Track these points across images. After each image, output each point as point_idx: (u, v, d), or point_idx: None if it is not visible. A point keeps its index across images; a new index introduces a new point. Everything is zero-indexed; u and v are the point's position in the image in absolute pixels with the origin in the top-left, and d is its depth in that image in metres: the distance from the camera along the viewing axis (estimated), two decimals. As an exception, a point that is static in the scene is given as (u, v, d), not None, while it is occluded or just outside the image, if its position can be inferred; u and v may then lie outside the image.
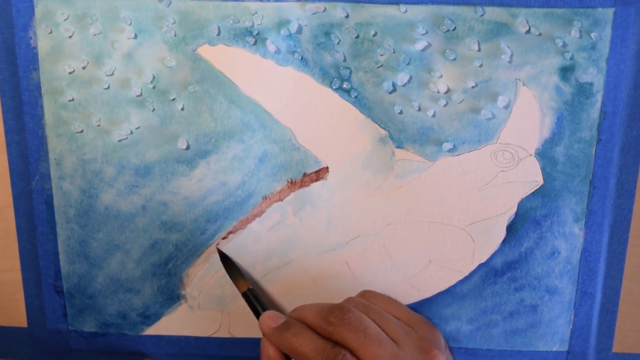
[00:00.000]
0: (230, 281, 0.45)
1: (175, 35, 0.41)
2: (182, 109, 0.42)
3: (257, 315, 0.43)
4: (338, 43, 0.41)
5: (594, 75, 0.41)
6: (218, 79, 0.42)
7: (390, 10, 0.40)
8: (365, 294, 0.45)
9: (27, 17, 0.41)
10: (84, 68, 0.42)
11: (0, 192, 0.45)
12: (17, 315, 0.48)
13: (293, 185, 0.44)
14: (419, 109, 0.42)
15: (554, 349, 0.46)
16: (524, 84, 0.41)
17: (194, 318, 0.47)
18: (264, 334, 0.42)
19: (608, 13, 0.39)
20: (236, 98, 0.42)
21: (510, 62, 0.41)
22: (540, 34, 0.40)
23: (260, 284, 0.46)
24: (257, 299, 0.44)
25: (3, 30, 0.41)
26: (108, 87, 0.42)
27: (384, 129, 0.42)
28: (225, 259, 0.45)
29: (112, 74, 0.42)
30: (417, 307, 0.46)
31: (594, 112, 0.41)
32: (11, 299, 0.47)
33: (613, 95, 0.41)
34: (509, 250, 0.44)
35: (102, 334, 0.48)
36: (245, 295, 0.44)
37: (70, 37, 0.41)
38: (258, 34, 0.41)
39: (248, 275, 0.46)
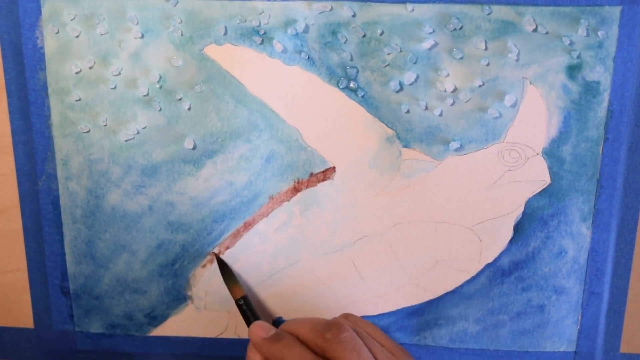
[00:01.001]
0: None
1: (182, 35, 0.41)
2: (189, 109, 0.42)
3: (248, 323, 0.43)
4: (345, 42, 0.41)
5: (601, 74, 0.41)
6: (225, 79, 0.42)
7: (397, 9, 0.40)
8: (348, 317, 0.44)
9: (33, 17, 0.41)
10: (90, 68, 0.42)
11: (7, 193, 0.45)
12: (23, 316, 0.48)
13: (300, 185, 0.44)
14: (426, 108, 0.42)
15: (561, 350, 0.46)
16: (530, 83, 0.41)
17: (200, 319, 0.47)
18: (252, 344, 0.41)
19: (615, 11, 0.39)
20: (243, 98, 0.42)
21: (517, 60, 0.41)
22: (547, 33, 0.40)
23: (255, 292, 0.46)
24: (249, 308, 0.44)
25: (10, 30, 0.41)
26: (115, 87, 0.42)
27: (391, 128, 0.42)
28: (222, 265, 0.45)
29: (119, 74, 0.42)
30: (424, 308, 0.46)
31: (601, 110, 0.41)
32: (17, 300, 0.47)
33: (620, 94, 0.41)
34: (516, 250, 0.44)
35: (108, 334, 0.47)
36: (238, 302, 0.44)
37: (77, 36, 0.41)
38: (265, 33, 0.41)
39: (244, 283, 0.45)
